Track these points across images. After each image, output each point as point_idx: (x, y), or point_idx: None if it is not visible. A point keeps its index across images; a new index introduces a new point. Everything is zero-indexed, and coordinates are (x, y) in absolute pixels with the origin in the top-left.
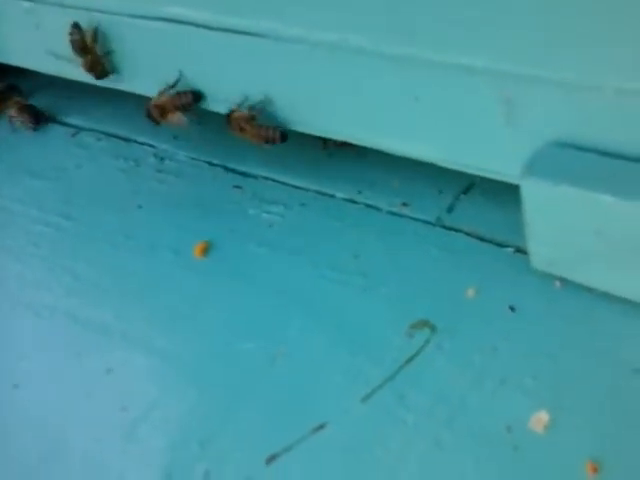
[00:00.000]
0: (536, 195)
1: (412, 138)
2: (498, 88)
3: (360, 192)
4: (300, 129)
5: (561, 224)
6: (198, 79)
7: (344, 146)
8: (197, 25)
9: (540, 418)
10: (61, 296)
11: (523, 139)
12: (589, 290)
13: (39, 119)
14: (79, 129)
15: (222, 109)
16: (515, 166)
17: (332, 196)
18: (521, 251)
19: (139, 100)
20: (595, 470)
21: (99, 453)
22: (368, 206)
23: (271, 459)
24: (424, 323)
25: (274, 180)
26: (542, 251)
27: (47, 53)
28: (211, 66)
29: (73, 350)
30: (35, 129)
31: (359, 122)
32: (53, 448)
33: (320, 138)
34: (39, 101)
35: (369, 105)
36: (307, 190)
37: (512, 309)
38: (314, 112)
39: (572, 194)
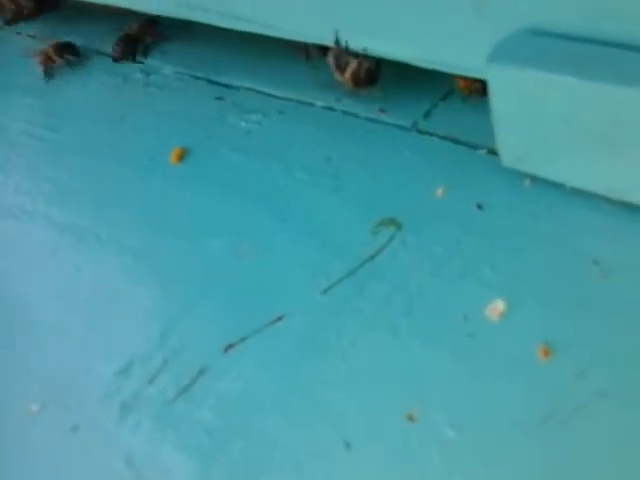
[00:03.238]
0: (501, 82)
1: (386, 37)
2: None
3: (339, 100)
4: (281, 35)
5: (528, 113)
6: None
7: (326, 55)
8: None
9: (496, 307)
10: (40, 202)
11: (493, 29)
12: (558, 187)
13: None
14: None
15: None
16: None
17: (311, 104)
18: (494, 152)
19: (128, 18)
20: (546, 353)
21: (65, 344)
22: (346, 113)
23: (228, 348)
24: (390, 221)
25: (256, 91)
26: (511, 146)
27: None
28: None
29: (47, 250)
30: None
31: (336, 24)
32: (22, 338)
33: (303, 48)
34: (41, 24)
35: (342, 5)
36: (288, 99)
37: (479, 207)
38: (292, 17)
39: (537, 78)
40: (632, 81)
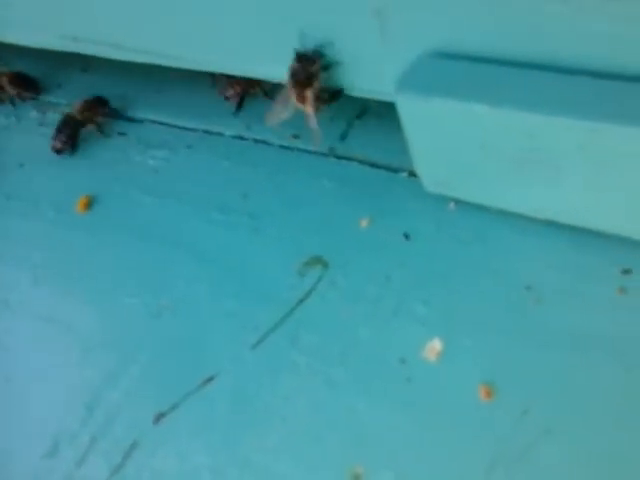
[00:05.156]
0: (411, 112)
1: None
2: None
3: (249, 127)
4: (186, 66)
5: (443, 140)
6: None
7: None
8: None
9: (433, 346)
10: None
11: (400, 53)
12: (483, 209)
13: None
14: None
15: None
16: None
17: (220, 134)
18: (415, 175)
19: (20, 52)
20: (488, 394)
21: None
22: (257, 141)
23: (159, 418)
24: (316, 260)
25: (160, 123)
26: (430, 171)
27: None
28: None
29: None
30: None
31: (239, 53)
32: None
33: (209, 75)
34: None
35: (245, 33)
36: (194, 130)
37: (406, 236)
38: (198, 47)
39: (447, 107)
40: (544, 107)
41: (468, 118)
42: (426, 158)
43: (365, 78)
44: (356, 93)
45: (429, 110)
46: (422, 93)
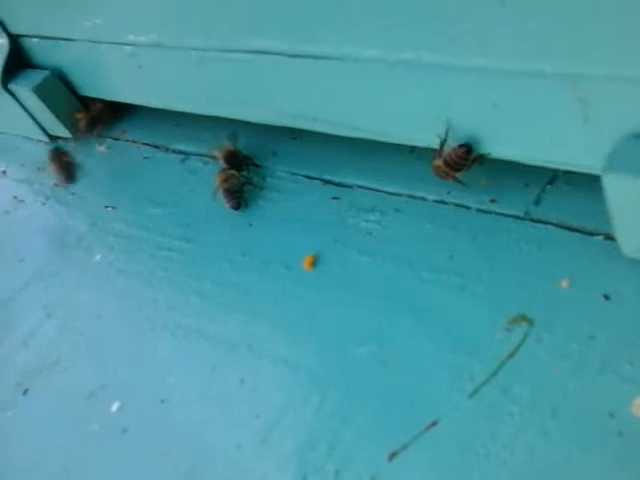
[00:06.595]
0: (618, 189)
1: (497, 141)
2: (571, 89)
3: (449, 192)
4: (389, 140)
5: None
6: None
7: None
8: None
9: None
10: (191, 315)
11: (601, 134)
12: None
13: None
14: (187, 155)
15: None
16: (595, 158)
17: (423, 199)
18: (611, 238)
19: (237, 124)
20: None
21: (240, 459)
22: (458, 206)
23: (392, 456)
24: (522, 317)
25: (368, 188)
26: (631, 240)
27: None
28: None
29: (208, 365)
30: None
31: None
32: (198, 457)
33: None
34: (149, 133)
35: (448, 113)
36: (400, 195)
37: (606, 297)
38: (401, 124)
39: None
40: None
41: None
42: (628, 228)
43: (567, 154)
44: (555, 166)
45: (636, 189)
46: (631, 173)
